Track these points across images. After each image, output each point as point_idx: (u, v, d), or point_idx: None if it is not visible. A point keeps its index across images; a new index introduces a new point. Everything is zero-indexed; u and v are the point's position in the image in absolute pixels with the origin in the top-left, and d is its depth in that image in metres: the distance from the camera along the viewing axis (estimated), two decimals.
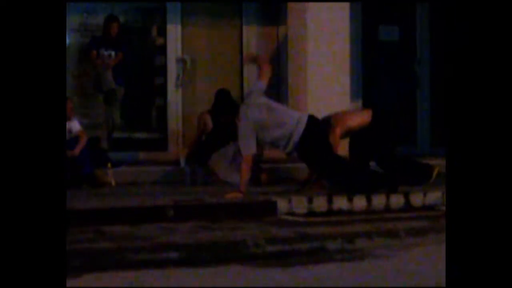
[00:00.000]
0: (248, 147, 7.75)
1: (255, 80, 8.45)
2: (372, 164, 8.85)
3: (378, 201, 7.82)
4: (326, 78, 9.65)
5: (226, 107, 8.29)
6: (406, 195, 7.93)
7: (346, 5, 9.78)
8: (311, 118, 8.05)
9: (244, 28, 11.01)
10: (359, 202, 7.75)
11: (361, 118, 8.58)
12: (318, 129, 8.02)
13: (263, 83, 8.15)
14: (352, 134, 8.59)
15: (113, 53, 9.68)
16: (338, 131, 8.33)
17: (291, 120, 7.90)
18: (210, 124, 9.35)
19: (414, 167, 8.92)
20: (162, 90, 10.79)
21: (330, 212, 7.62)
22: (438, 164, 9.50)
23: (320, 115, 8.41)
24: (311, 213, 7.55)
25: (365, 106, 10.85)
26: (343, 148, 8.62)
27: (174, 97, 10.73)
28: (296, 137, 7.83)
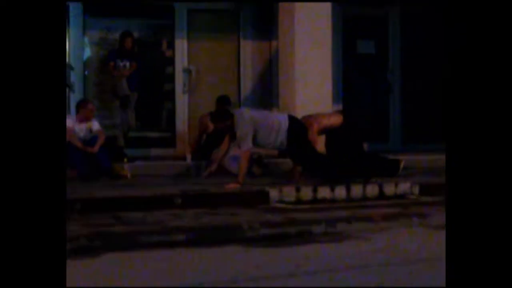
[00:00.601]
0: (247, 143, 7.74)
1: None
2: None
3: (356, 191, 7.81)
4: (311, 85, 9.64)
5: (224, 112, 8.27)
6: (380, 186, 7.93)
7: (329, 22, 9.77)
8: (292, 118, 8.12)
9: (241, 43, 11.01)
10: (340, 192, 7.73)
11: (333, 119, 8.66)
12: (299, 127, 8.05)
13: None
14: (327, 133, 8.64)
15: (127, 63, 9.64)
16: (315, 129, 8.41)
17: (277, 120, 7.95)
18: (210, 125, 9.33)
19: (383, 162, 8.97)
20: (171, 96, 10.78)
21: (315, 200, 7.60)
22: (407, 158, 9.58)
23: None
24: (298, 201, 7.53)
25: (344, 109, 10.89)
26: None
27: (181, 101, 10.72)
28: (282, 135, 7.87)
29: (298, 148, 8.00)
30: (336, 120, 8.61)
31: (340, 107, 10.85)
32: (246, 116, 7.87)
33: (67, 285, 3.54)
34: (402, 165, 8.84)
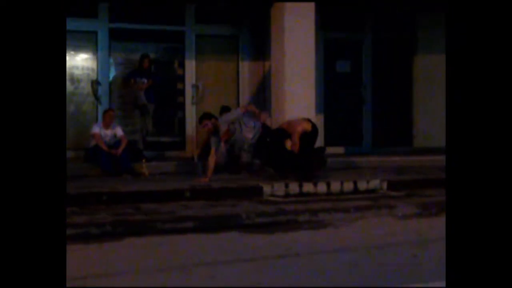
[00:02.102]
0: (227, 122, 8.28)
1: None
2: None
3: (335, 186, 7.78)
4: (298, 98, 9.60)
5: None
6: (355, 182, 7.90)
7: (313, 45, 9.73)
8: (264, 125, 8.46)
9: (240, 62, 11.00)
10: (321, 187, 7.72)
11: (305, 125, 8.65)
12: (268, 134, 8.27)
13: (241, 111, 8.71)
14: (301, 136, 8.64)
15: (145, 80, 9.67)
16: (298, 133, 8.43)
17: (254, 126, 8.24)
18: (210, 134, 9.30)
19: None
20: (182, 107, 10.75)
21: (301, 194, 7.59)
22: (377, 159, 9.61)
23: None
24: (287, 194, 7.52)
25: (326, 118, 10.96)
26: None
27: (190, 111, 10.71)
28: (256, 136, 8.20)
29: (265, 151, 8.19)
30: (306, 126, 8.65)
31: (322, 115, 10.91)
32: (232, 111, 8.52)
33: (97, 265, 3.53)
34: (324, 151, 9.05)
